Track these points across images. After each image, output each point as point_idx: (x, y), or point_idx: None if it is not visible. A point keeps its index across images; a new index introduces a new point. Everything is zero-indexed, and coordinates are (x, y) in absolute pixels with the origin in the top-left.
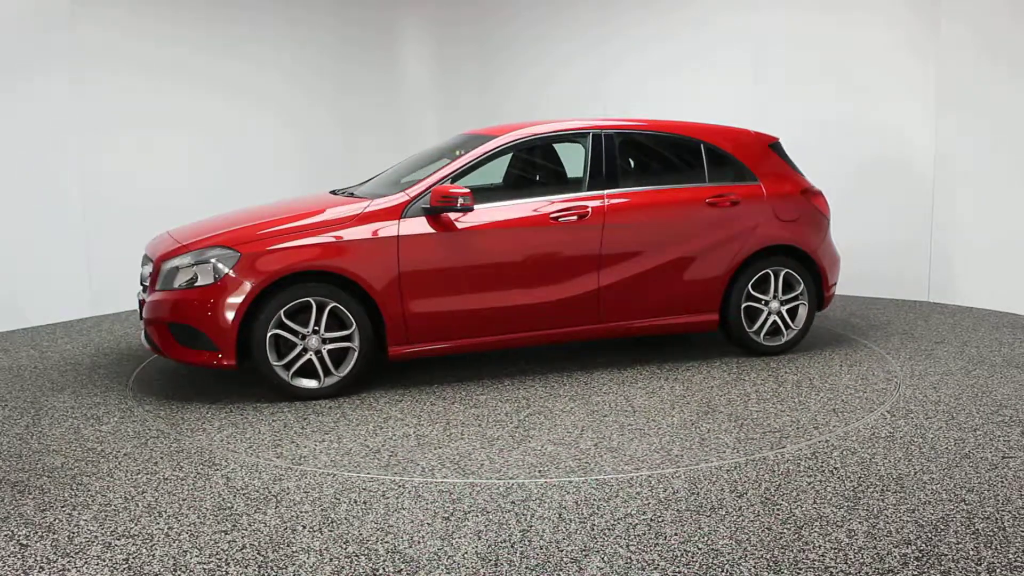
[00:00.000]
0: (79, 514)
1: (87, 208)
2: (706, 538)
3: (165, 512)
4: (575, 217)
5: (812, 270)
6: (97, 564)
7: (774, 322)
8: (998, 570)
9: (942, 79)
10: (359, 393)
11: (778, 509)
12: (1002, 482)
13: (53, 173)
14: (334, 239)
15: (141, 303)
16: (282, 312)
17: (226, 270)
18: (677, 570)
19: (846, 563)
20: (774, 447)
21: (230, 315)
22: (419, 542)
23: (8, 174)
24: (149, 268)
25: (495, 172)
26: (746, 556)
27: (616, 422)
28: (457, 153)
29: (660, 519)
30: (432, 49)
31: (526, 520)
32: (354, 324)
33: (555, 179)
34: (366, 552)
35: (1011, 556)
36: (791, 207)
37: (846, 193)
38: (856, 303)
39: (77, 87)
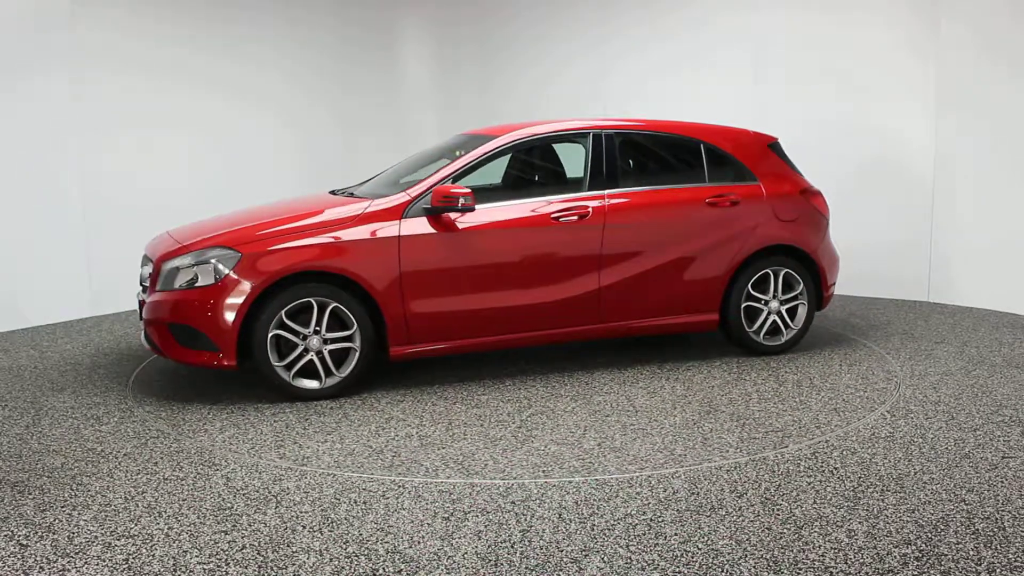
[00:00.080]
0: (79, 514)
1: (87, 208)
2: (706, 538)
3: (165, 512)
4: (576, 217)
5: (811, 270)
6: (97, 564)
7: (774, 322)
8: (998, 570)
9: (942, 79)
10: (360, 393)
11: (778, 509)
12: (1002, 482)
13: (53, 173)
14: (335, 239)
15: (141, 303)
16: (283, 312)
17: (227, 270)
18: (677, 570)
19: (846, 563)
20: (777, 446)
21: (231, 315)
22: (419, 542)
23: (8, 174)
24: (149, 268)
25: (495, 172)
26: (746, 556)
27: (618, 422)
28: (457, 153)
29: (660, 519)
30: (432, 49)
31: (526, 520)
32: (355, 324)
33: (555, 179)
34: (366, 552)
35: (1011, 556)
36: (791, 207)
37: (846, 193)
38: (856, 303)
39: (77, 87)
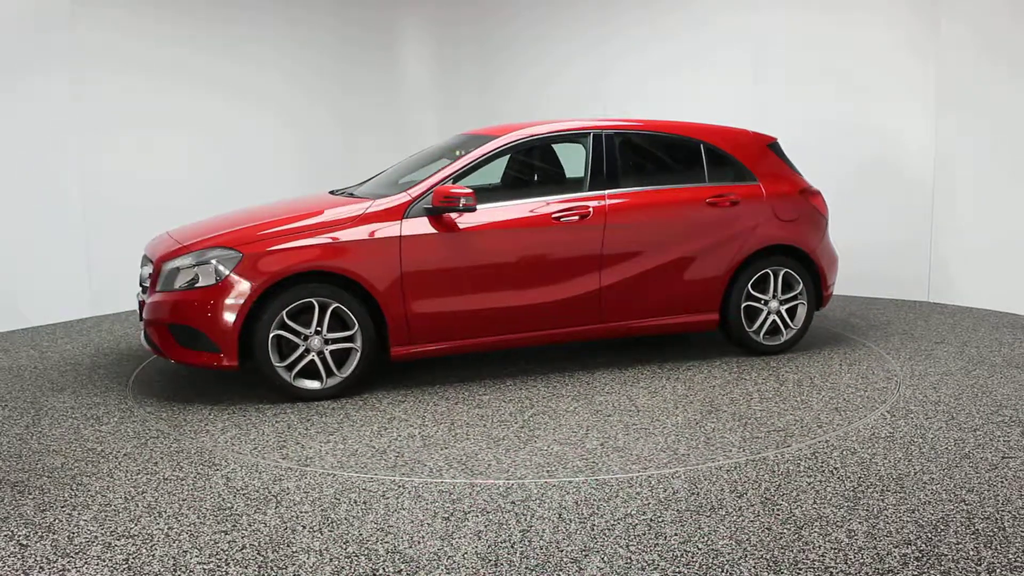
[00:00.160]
0: (79, 514)
1: (87, 208)
2: (706, 538)
3: (165, 512)
4: (576, 217)
5: (811, 270)
6: (97, 564)
7: (773, 321)
8: (998, 570)
9: (942, 79)
10: (361, 394)
11: (778, 509)
12: (1002, 482)
13: (53, 173)
14: (336, 239)
15: (141, 304)
16: (284, 313)
17: (228, 271)
18: (677, 570)
19: (846, 563)
20: (780, 446)
21: (232, 316)
22: (419, 542)
23: (8, 174)
24: (149, 269)
25: (496, 172)
26: (746, 556)
27: (621, 422)
28: (457, 153)
29: (660, 519)
30: (432, 49)
31: (526, 520)
32: (356, 325)
33: (556, 179)
34: (366, 552)
35: (1011, 556)
36: (790, 207)
37: (846, 193)
38: (856, 303)
39: (77, 87)
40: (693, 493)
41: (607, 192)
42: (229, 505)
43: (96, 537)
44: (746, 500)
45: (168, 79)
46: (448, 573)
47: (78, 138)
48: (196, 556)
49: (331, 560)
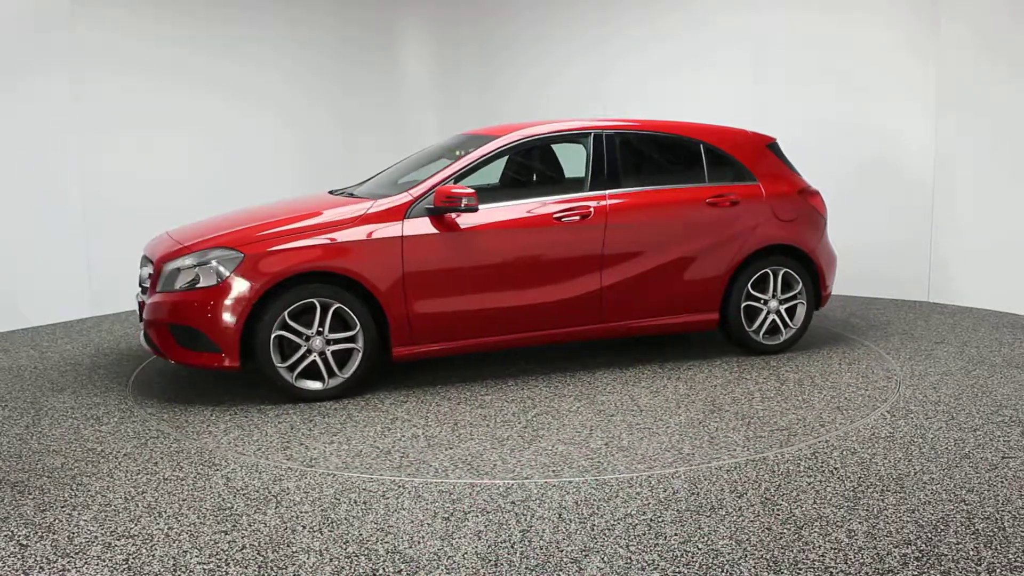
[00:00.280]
0: (79, 514)
1: (87, 208)
2: (706, 538)
3: (165, 512)
4: (578, 217)
5: (810, 269)
6: (97, 564)
7: (773, 321)
8: (998, 570)
9: (942, 79)
10: (363, 394)
11: (778, 509)
12: (1002, 482)
13: (53, 173)
14: (338, 240)
15: (141, 305)
16: (286, 313)
17: (229, 271)
18: (677, 570)
19: (846, 563)
20: (783, 444)
21: (233, 317)
22: (419, 542)
23: (8, 174)
24: (149, 270)
25: (496, 172)
26: (746, 556)
27: (624, 421)
28: (457, 153)
29: (660, 519)
30: (432, 49)
31: (526, 520)
32: (358, 325)
33: (557, 179)
34: (366, 552)
35: (1011, 556)
36: (789, 207)
37: (846, 193)
38: (856, 303)
39: (77, 87)
40: (693, 493)
41: (608, 192)
42: (229, 505)
43: (96, 537)
44: (746, 500)
45: (168, 79)
46: (448, 573)
47: (78, 138)
48: (196, 556)
49: (331, 560)
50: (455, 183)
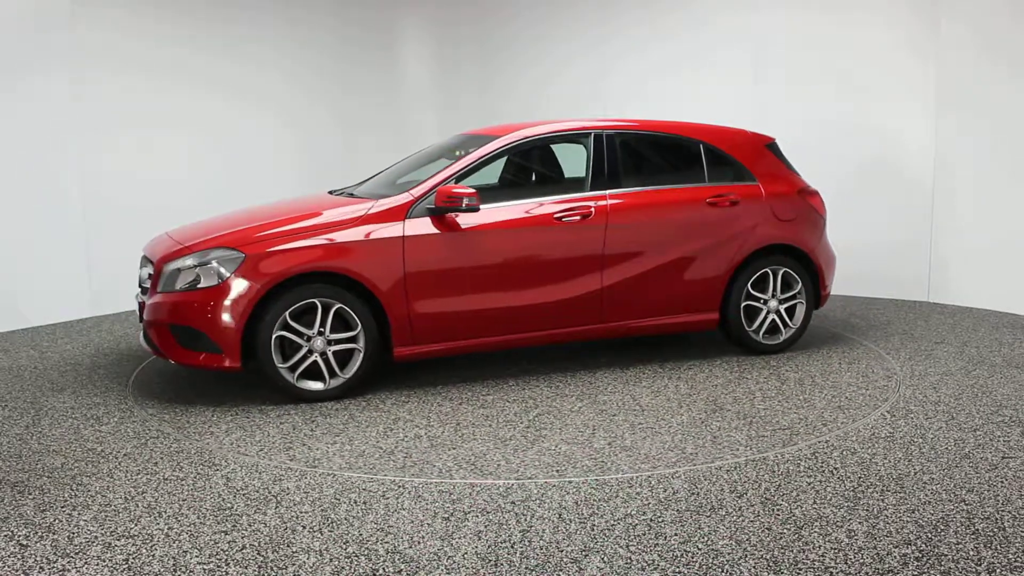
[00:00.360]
0: (79, 514)
1: (87, 208)
2: (706, 538)
3: (165, 512)
4: (578, 217)
5: (810, 269)
6: (97, 564)
7: (772, 321)
8: (998, 570)
9: (942, 79)
10: (364, 394)
11: (778, 509)
12: (1002, 482)
13: (53, 173)
14: (339, 240)
15: (141, 305)
16: (287, 314)
17: (230, 272)
18: (677, 570)
19: (846, 563)
20: (786, 444)
21: (234, 317)
22: (419, 542)
23: (8, 174)
24: (149, 270)
25: (497, 173)
26: (746, 556)
27: (626, 421)
28: (457, 154)
29: (660, 519)
30: (432, 49)
31: (526, 520)
32: (359, 325)
33: (558, 179)
34: (366, 552)
35: (1011, 556)
36: (789, 207)
37: (846, 193)
38: (856, 303)
39: (77, 87)
40: (693, 493)
41: (608, 192)
42: (229, 505)
43: (96, 537)
44: (746, 500)
45: (168, 79)
46: (448, 573)
47: (78, 138)
48: (196, 556)
49: (331, 560)
50: (456, 183)
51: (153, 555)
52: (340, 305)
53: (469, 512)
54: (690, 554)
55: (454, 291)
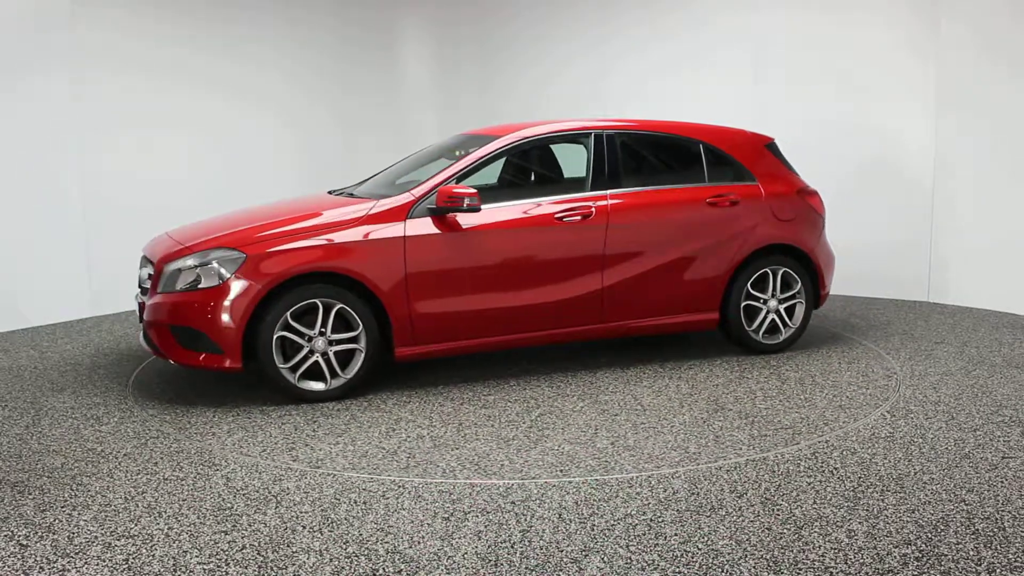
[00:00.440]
0: (79, 514)
1: (87, 208)
2: (706, 538)
3: (165, 512)
4: (579, 217)
5: (809, 269)
6: (97, 564)
7: (772, 320)
8: (998, 570)
9: (942, 79)
10: (365, 395)
11: (778, 509)
12: (1002, 482)
13: (53, 173)
14: (341, 240)
15: (140, 306)
16: (288, 314)
17: (231, 272)
18: (677, 570)
19: (846, 563)
20: (789, 443)
21: (236, 317)
22: (419, 542)
23: (8, 174)
24: (149, 270)
25: (497, 173)
26: (746, 556)
27: (628, 421)
28: (457, 154)
29: (660, 519)
30: (432, 49)
31: (526, 520)
32: (361, 325)
33: (558, 179)
34: (366, 552)
35: (1011, 556)
36: (788, 207)
37: (846, 193)
38: (856, 303)
39: (77, 87)
40: (693, 493)
41: (609, 192)
42: (229, 505)
43: (96, 537)
44: (746, 500)
45: (168, 79)
46: (448, 573)
47: (78, 138)
48: (196, 556)
49: (331, 560)
50: (457, 183)
51: (153, 555)
52: (341, 305)
53: (469, 512)
54: (690, 554)
55: (455, 291)
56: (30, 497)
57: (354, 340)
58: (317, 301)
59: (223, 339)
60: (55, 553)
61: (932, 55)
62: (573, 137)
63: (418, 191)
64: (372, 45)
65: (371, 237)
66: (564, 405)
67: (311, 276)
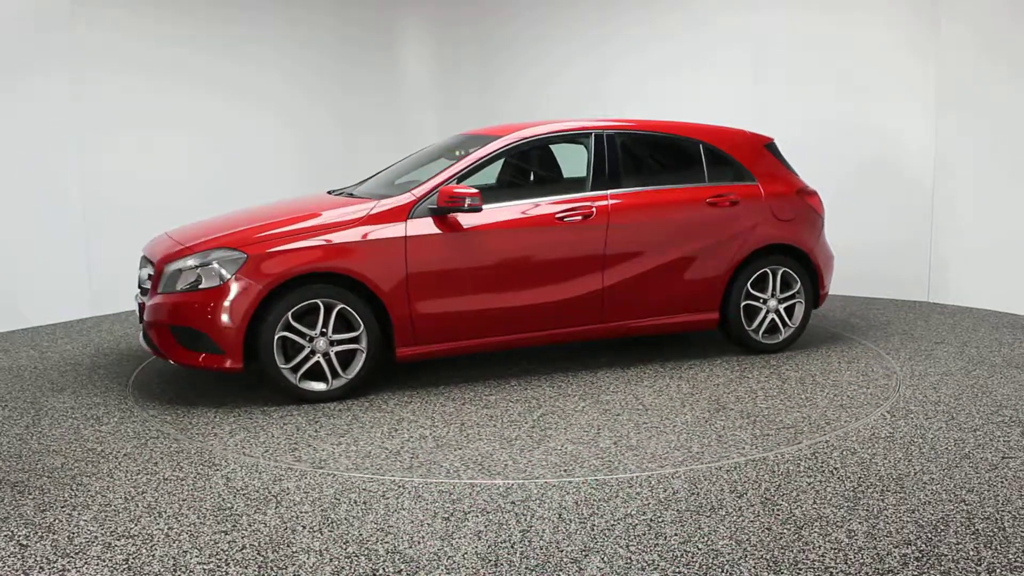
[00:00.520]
0: (79, 514)
1: (87, 208)
2: (706, 538)
3: (165, 512)
4: (580, 217)
5: (808, 269)
6: (97, 564)
7: (772, 320)
8: (998, 570)
9: (942, 79)
10: (367, 395)
11: (778, 509)
12: (1002, 482)
13: (53, 173)
14: (341, 240)
15: (140, 306)
16: (289, 314)
17: (232, 272)
18: (677, 570)
19: (846, 563)
20: (791, 442)
21: (237, 318)
22: (419, 542)
23: (8, 174)
24: (149, 271)
25: (497, 173)
26: (746, 556)
27: (631, 420)
28: (457, 154)
29: (660, 519)
30: (432, 49)
31: (526, 520)
32: (362, 326)
33: (559, 179)
34: (366, 552)
35: (1011, 556)
36: (788, 207)
37: (846, 193)
38: (856, 303)
39: (77, 87)
40: (693, 493)
41: (609, 192)
42: (229, 505)
43: (96, 537)
44: (746, 500)
45: (168, 79)
46: (448, 573)
47: (78, 138)
48: (196, 556)
49: (331, 560)
50: (458, 183)
51: (153, 555)
52: (343, 305)
53: (469, 512)
54: (690, 554)
55: (456, 291)
56: (30, 497)
57: (355, 340)
58: (318, 301)
59: (224, 339)
60: (55, 553)
61: (932, 55)
62: (573, 137)
63: (419, 191)
64: (372, 45)
65: (372, 237)
66: (566, 405)
67: (312, 276)
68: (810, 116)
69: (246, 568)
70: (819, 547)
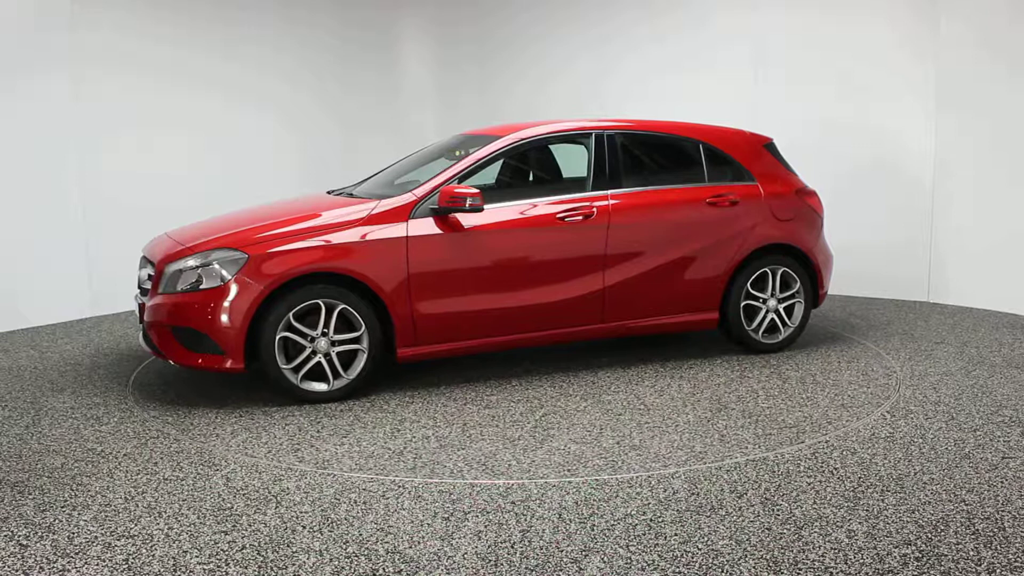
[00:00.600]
0: (79, 514)
1: (87, 208)
2: (706, 538)
3: (165, 512)
4: (581, 217)
5: (808, 268)
6: (97, 564)
7: (771, 320)
8: (998, 570)
9: (942, 79)
10: (368, 395)
11: (778, 509)
12: (1002, 482)
13: (53, 173)
14: (343, 240)
15: (140, 306)
16: (291, 314)
17: (233, 273)
18: (677, 570)
19: (846, 563)
20: (793, 442)
21: (238, 318)
22: (419, 542)
23: (8, 174)
24: (149, 271)
25: (496, 173)
26: (746, 556)
27: (633, 420)
28: (457, 154)
29: (660, 519)
30: (432, 49)
31: (526, 520)
32: (363, 326)
33: (559, 179)
34: (366, 552)
35: (1011, 556)
36: (787, 206)
37: (846, 193)
38: (856, 303)
39: (77, 87)
40: (693, 493)
41: (610, 192)
42: (229, 505)
43: (96, 537)
44: (746, 500)
45: (168, 79)
46: (448, 573)
47: (78, 138)
48: (196, 556)
49: (331, 560)
50: (459, 183)
51: (153, 555)
52: (344, 306)
53: (469, 512)
54: (690, 554)
55: (457, 291)
56: (30, 497)
57: (356, 341)
58: (319, 302)
59: (225, 340)
60: (55, 553)
61: (932, 55)
62: (573, 137)
63: (420, 191)
64: (372, 45)
65: (373, 237)
66: (568, 405)
67: (313, 276)
68: (810, 116)
69: (246, 568)
70: (819, 547)
